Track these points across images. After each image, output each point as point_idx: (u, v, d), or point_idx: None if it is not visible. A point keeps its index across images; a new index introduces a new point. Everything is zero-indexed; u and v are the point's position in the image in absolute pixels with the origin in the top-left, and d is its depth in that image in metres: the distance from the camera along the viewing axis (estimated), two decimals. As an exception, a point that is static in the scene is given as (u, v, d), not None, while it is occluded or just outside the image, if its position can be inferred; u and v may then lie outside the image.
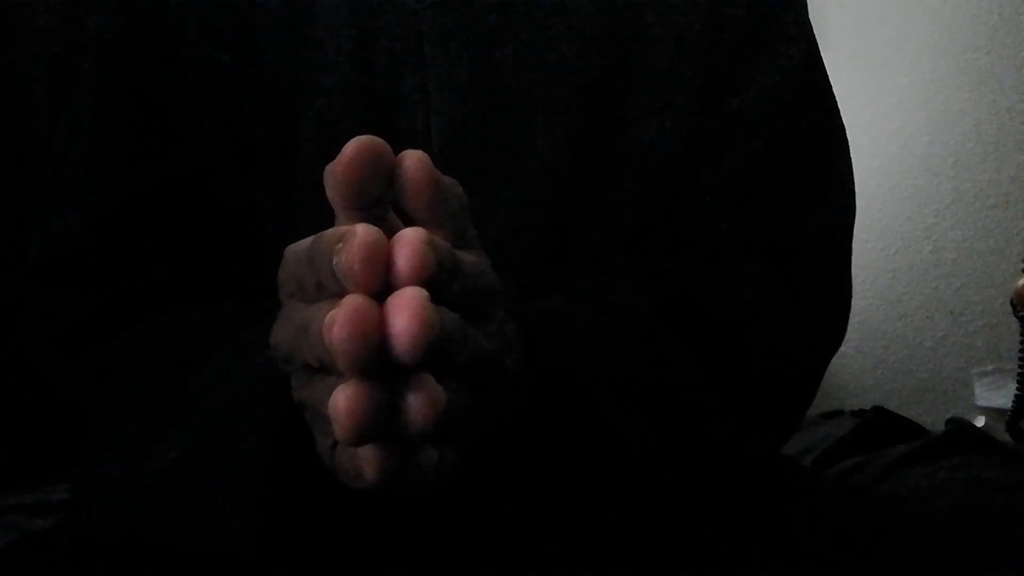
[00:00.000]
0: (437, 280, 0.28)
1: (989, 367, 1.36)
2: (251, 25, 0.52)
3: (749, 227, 0.51)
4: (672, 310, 0.46)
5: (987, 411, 1.36)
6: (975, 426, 1.24)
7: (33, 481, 0.84)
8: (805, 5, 0.58)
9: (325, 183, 0.29)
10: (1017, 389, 1.08)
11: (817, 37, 0.57)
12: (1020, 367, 1.07)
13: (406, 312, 0.26)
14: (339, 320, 0.26)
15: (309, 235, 0.30)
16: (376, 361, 0.26)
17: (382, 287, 0.27)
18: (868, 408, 1.24)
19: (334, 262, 0.27)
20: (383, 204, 0.30)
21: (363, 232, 0.27)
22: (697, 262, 0.50)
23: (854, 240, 0.55)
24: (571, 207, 0.52)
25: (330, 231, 0.28)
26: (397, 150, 0.30)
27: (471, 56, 0.51)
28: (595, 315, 0.44)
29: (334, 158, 0.29)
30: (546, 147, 0.51)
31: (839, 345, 0.54)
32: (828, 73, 0.57)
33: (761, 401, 0.48)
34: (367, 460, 0.28)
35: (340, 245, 0.27)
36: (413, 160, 0.30)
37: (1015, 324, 1.08)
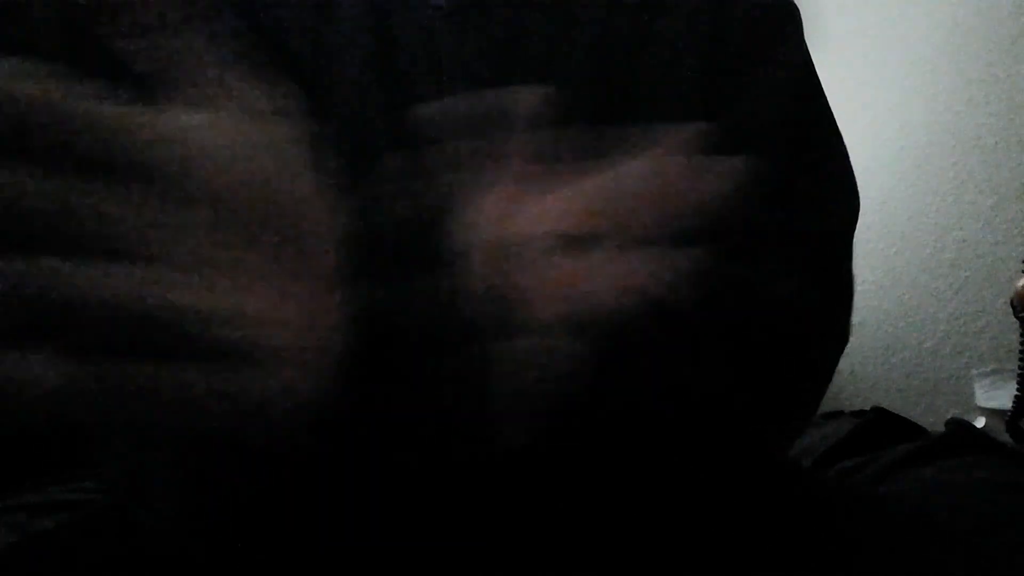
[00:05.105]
0: None
1: (989, 367, 1.36)
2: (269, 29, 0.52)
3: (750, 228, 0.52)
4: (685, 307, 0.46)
5: (987, 411, 1.36)
6: (975, 426, 1.24)
7: (34, 481, 0.84)
8: (800, 17, 0.59)
9: None
10: (1017, 389, 1.08)
11: (817, 37, 0.58)
12: (1020, 367, 1.07)
13: None
14: None
15: None
16: None
17: None
18: (868, 408, 1.24)
19: None
20: None
21: None
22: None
23: (854, 240, 0.56)
24: None
25: None
26: None
27: (486, 62, 0.52)
28: None
29: None
30: None
31: (845, 344, 0.55)
32: (826, 74, 0.58)
33: (770, 397, 0.48)
34: None
35: None
36: None
37: (1015, 324, 1.08)
